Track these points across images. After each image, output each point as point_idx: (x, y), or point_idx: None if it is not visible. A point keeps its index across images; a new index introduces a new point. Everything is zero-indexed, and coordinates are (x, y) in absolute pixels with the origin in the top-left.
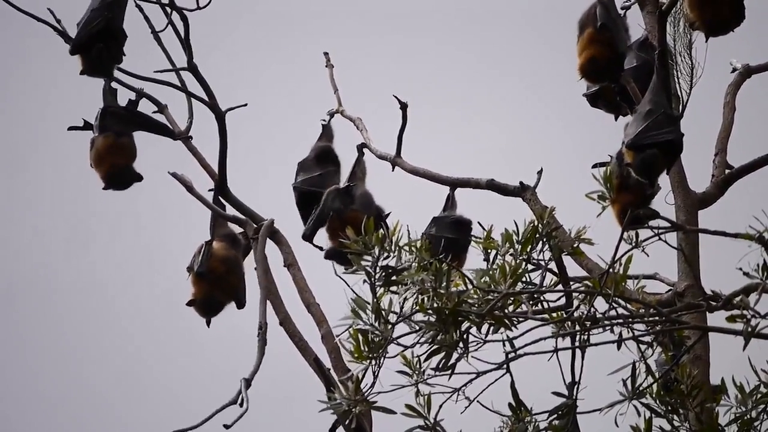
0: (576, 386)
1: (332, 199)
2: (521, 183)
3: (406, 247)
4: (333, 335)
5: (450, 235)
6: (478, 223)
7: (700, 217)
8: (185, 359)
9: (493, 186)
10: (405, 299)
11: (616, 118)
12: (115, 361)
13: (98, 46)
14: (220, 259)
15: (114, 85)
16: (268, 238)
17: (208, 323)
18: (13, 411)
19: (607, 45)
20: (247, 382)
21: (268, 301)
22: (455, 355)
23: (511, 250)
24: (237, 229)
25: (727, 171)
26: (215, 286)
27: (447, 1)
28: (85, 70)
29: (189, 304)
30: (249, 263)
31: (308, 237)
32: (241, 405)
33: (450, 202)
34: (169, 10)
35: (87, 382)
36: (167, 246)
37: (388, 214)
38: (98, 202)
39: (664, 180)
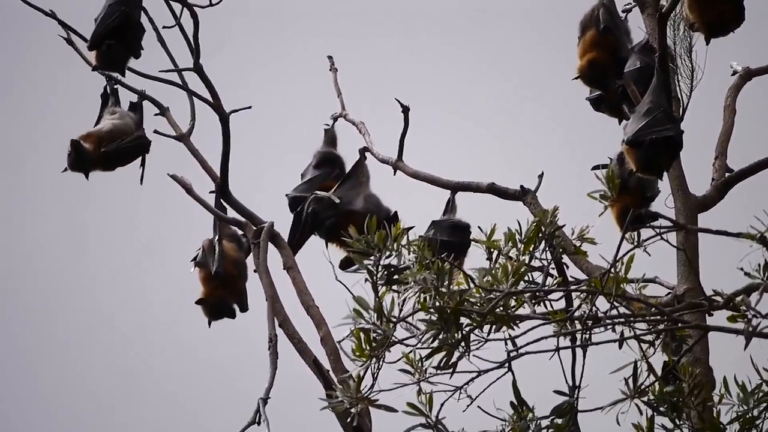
0: (578, 386)
1: (314, 206)
2: (522, 187)
3: (408, 246)
4: (332, 337)
5: (448, 238)
6: (479, 227)
7: (699, 221)
8: (187, 362)
9: (493, 190)
10: (407, 298)
11: (619, 122)
12: (115, 363)
13: (108, 42)
14: (232, 261)
15: (114, 85)
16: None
17: (210, 323)
18: (13, 411)
19: (609, 49)
20: (264, 401)
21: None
22: (457, 354)
23: (514, 250)
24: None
25: (727, 174)
26: (225, 287)
27: (448, 2)
28: (98, 65)
29: (198, 302)
30: (248, 265)
31: (293, 246)
32: (259, 424)
33: (450, 206)
34: (180, 8)
35: (88, 385)
36: (167, 248)
37: (396, 212)
38: (98, 202)
39: (663, 183)
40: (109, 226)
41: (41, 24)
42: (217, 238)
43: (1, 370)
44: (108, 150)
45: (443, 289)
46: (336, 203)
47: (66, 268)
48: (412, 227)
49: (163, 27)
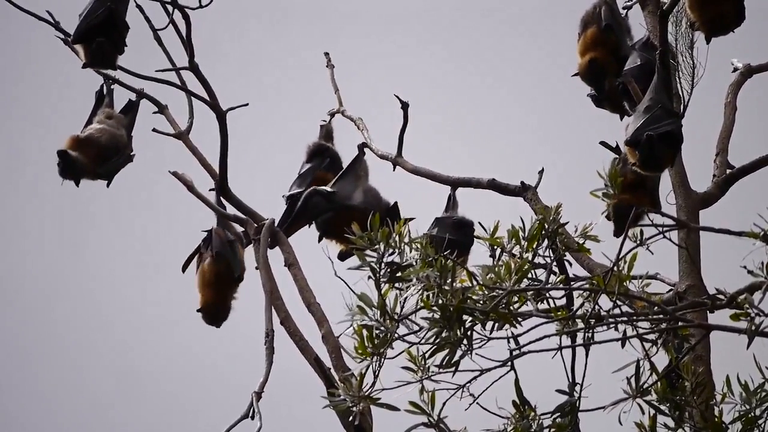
0: (579, 384)
1: (312, 199)
2: (522, 183)
3: (411, 244)
4: (333, 335)
5: (452, 236)
6: (479, 223)
7: (701, 217)
8: (185, 359)
9: (494, 186)
10: (410, 295)
11: (621, 119)
12: (115, 363)
13: (98, 40)
14: (243, 266)
15: (112, 85)
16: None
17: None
18: (14, 411)
19: (609, 48)
20: (258, 395)
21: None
22: (459, 352)
23: (517, 247)
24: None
25: (728, 171)
26: (231, 292)
27: (448, 1)
28: (87, 63)
29: (202, 311)
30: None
31: (284, 231)
32: (252, 418)
33: (451, 202)
34: (170, 8)
35: (87, 382)
36: (167, 247)
37: (396, 203)
38: (98, 201)
39: (665, 179)
40: (109, 224)
41: (40, 25)
42: (233, 237)
43: (1, 370)
44: (101, 171)
45: (446, 287)
46: (333, 194)
47: (66, 268)
48: (413, 218)
49: (156, 29)
